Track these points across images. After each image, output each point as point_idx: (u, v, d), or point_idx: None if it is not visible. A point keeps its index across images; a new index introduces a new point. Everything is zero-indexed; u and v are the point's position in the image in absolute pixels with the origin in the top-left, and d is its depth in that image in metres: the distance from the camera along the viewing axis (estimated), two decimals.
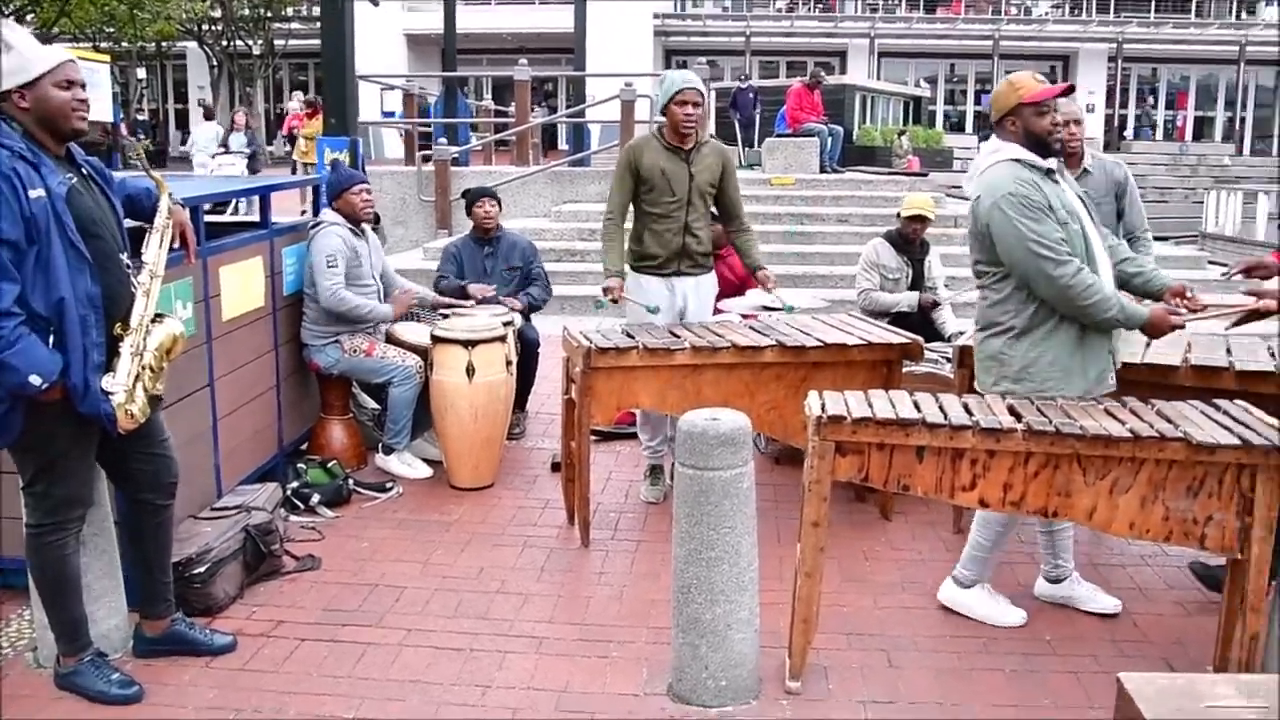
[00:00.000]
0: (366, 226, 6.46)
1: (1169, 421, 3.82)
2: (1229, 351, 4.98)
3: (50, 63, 3.61)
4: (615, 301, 5.88)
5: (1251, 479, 3.66)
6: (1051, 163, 4.31)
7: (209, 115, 22.65)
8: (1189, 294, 4.29)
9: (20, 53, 3.59)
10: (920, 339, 5.54)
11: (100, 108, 17.08)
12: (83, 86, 3.71)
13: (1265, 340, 5.13)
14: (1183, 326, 4.27)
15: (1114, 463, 3.74)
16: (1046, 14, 39.72)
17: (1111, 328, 4.26)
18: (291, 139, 21.74)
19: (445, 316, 6.48)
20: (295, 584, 4.91)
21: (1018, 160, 4.26)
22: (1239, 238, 20.13)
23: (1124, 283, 4.44)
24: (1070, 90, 4.53)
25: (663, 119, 5.88)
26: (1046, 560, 4.69)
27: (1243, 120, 38.43)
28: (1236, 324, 4.41)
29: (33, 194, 3.49)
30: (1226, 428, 3.75)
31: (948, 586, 4.65)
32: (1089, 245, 4.26)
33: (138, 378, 3.77)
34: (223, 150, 19.38)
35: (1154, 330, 4.25)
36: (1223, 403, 4.06)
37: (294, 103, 24.67)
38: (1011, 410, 3.95)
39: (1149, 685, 2.05)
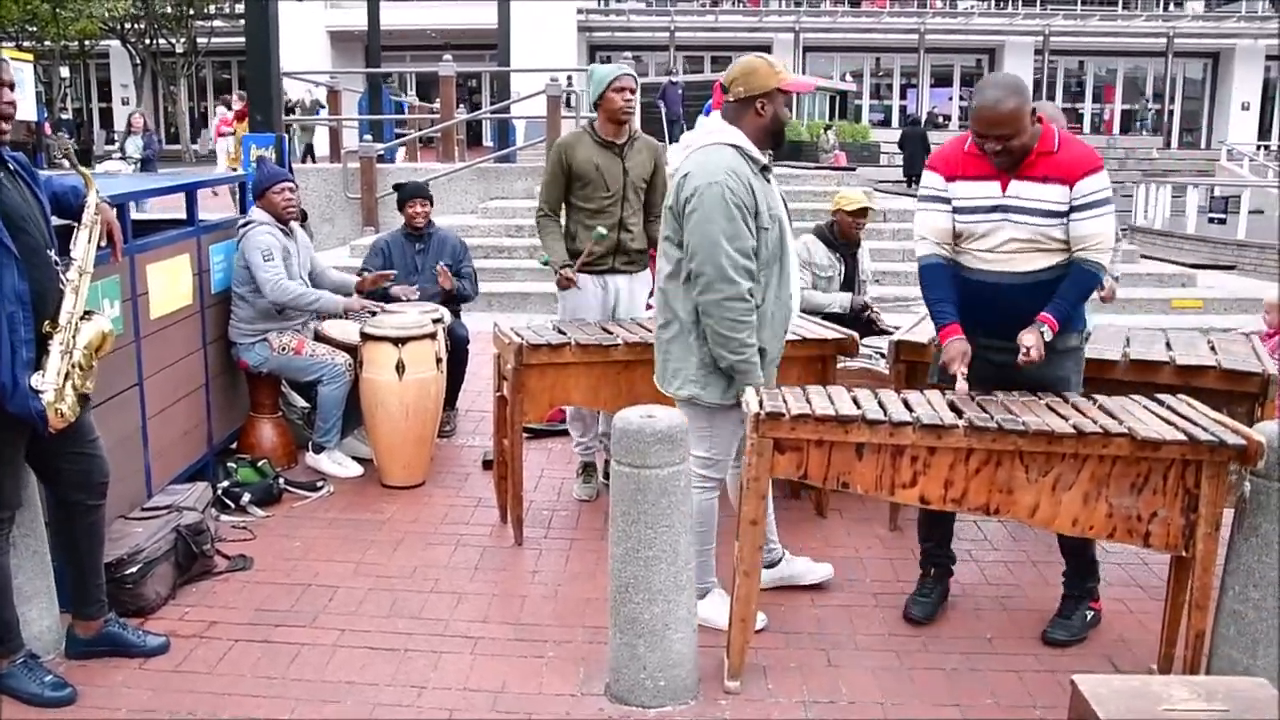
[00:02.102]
0: (295, 225, 6.40)
1: (1112, 417, 3.81)
2: (1168, 346, 4.99)
3: None
4: (570, 284, 5.83)
5: (1197, 475, 3.65)
6: (765, 157, 4.24)
7: (229, 106, 22.45)
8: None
9: None
10: (855, 334, 5.55)
11: (24, 107, 16.70)
12: (10, 88, 3.65)
13: (1204, 334, 5.17)
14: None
15: (1057, 459, 3.72)
16: (972, 7, 40.05)
17: (726, 365, 4.11)
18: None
19: (374, 314, 6.43)
20: (227, 584, 4.86)
21: (737, 148, 4.14)
22: (1169, 231, 20.30)
23: None
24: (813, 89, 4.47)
25: (594, 114, 5.86)
26: None
27: (1171, 113, 38.87)
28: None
29: None
30: (1170, 423, 3.75)
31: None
32: (784, 252, 4.23)
33: (67, 376, 3.72)
34: (118, 155, 18.79)
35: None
36: (1166, 397, 4.06)
37: (222, 107, 24.36)
38: (952, 406, 3.94)
39: (1104, 687, 2.03)
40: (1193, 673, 3.73)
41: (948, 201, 4.24)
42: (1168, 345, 5.02)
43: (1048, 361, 4.15)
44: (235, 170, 17.50)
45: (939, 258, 4.30)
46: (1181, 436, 3.63)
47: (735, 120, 4.20)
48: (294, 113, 23.26)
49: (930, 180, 4.31)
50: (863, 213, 6.81)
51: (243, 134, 17.37)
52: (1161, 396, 4.08)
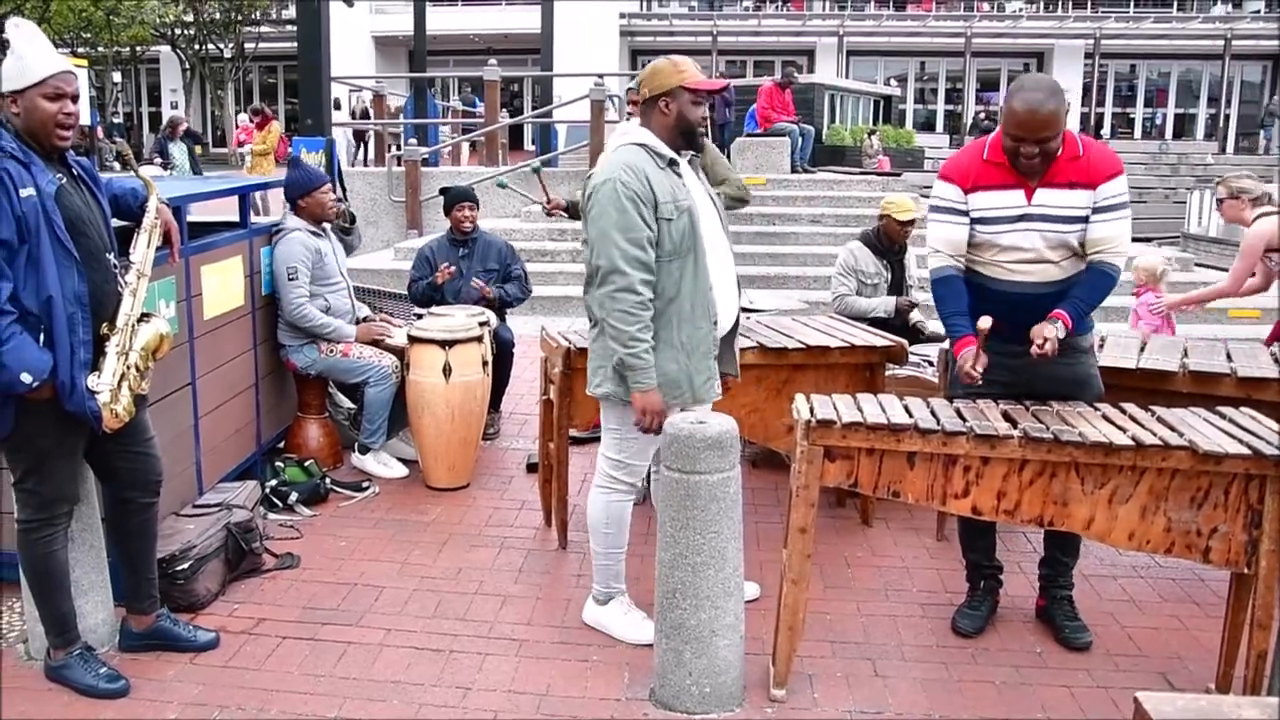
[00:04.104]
0: (328, 225, 6.44)
1: (1172, 429, 3.75)
2: (1229, 357, 4.90)
3: (40, 74, 3.62)
4: None
5: (1260, 490, 3.57)
6: (674, 154, 4.15)
7: (337, 106, 22.65)
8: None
9: (20, 58, 3.62)
10: (904, 341, 5.50)
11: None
12: (74, 99, 3.71)
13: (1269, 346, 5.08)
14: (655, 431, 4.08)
15: (1114, 471, 3.65)
16: (1020, 10, 39.36)
17: (616, 361, 4.04)
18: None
19: (420, 316, 6.46)
20: (275, 582, 4.91)
21: (643, 146, 4.12)
22: (1223, 239, 19.89)
23: None
24: (726, 88, 4.25)
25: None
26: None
27: (1226, 118, 37.85)
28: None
29: (23, 193, 3.52)
30: (1234, 436, 3.68)
31: (588, 606, 4.57)
32: (698, 242, 4.11)
33: (123, 377, 3.80)
34: (158, 160, 18.76)
35: (642, 403, 4.04)
36: (1228, 410, 3.99)
37: (243, 115, 24.47)
38: (1006, 416, 3.90)
39: (1169, 705, 1.93)
40: (1254, 694, 3.65)
41: (965, 214, 4.20)
42: (1228, 356, 4.91)
43: (1076, 360, 4.19)
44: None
45: (953, 269, 4.27)
46: (1245, 450, 3.55)
47: (646, 121, 4.20)
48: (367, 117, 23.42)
49: (946, 192, 4.25)
50: (912, 222, 6.78)
51: (265, 148, 17.47)
52: (1223, 409, 4.00)
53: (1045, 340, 3.99)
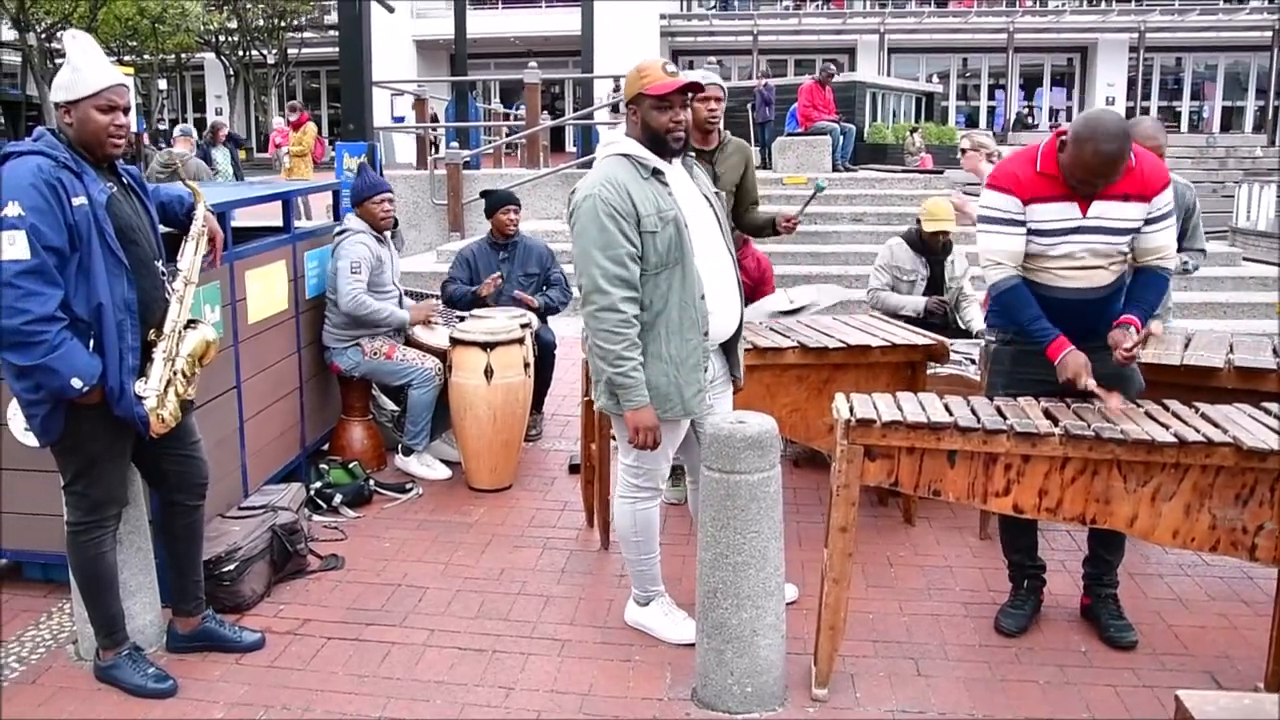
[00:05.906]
0: (387, 233, 6.50)
1: (1215, 425, 3.71)
2: (1275, 352, 4.87)
3: (94, 86, 3.69)
4: None
5: None
6: (660, 162, 4.07)
7: (285, 119, 22.70)
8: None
9: (76, 69, 3.70)
10: (945, 340, 5.48)
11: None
12: (125, 111, 3.78)
13: None
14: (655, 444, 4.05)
15: (1157, 469, 3.62)
16: (1063, 4, 38.94)
17: (605, 379, 4.04)
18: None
19: (463, 319, 6.50)
20: (320, 583, 4.95)
21: (627, 156, 4.05)
22: (1273, 233, 19.67)
23: None
24: (695, 88, 4.08)
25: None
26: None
27: (1275, 109, 36.79)
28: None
29: (75, 202, 3.59)
30: (1279, 432, 3.64)
31: (630, 608, 4.57)
32: (686, 252, 4.01)
33: (169, 383, 3.86)
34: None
35: (634, 421, 4.02)
36: (1274, 406, 3.93)
37: (278, 119, 24.39)
38: (1047, 413, 3.87)
39: (1211, 704, 1.91)
40: None
41: (1024, 224, 4.12)
42: (1275, 351, 4.87)
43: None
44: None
45: (1017, 278, 4.18)
46: None
47: (628, 129, 4.15)
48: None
49: (1003, 203, 4.14)
50: (943, 234, 6.72)
51: (301, 149, 17.49)
52: (1268, 405, 3.95)
53: (1130, 349, 4.03)
